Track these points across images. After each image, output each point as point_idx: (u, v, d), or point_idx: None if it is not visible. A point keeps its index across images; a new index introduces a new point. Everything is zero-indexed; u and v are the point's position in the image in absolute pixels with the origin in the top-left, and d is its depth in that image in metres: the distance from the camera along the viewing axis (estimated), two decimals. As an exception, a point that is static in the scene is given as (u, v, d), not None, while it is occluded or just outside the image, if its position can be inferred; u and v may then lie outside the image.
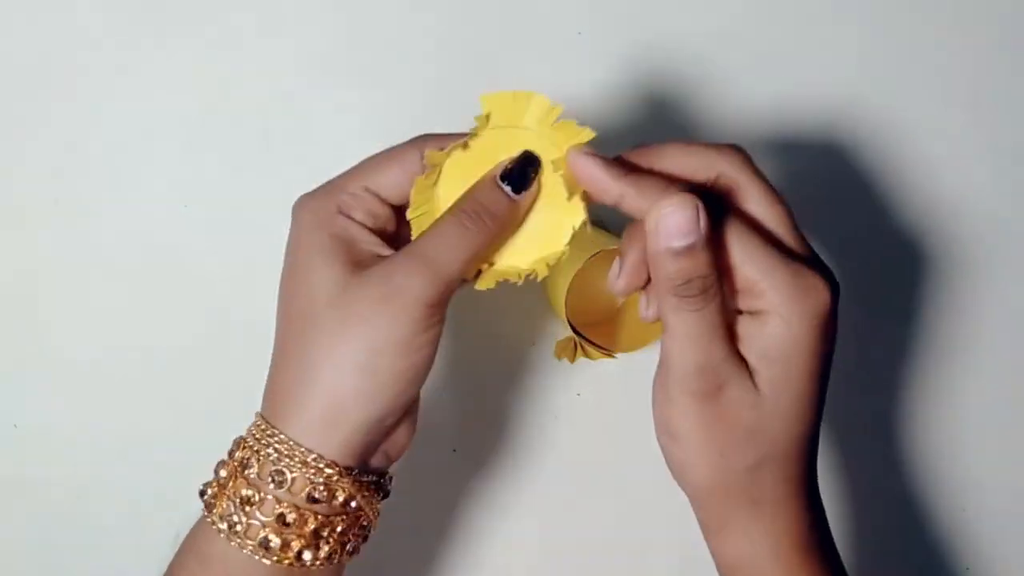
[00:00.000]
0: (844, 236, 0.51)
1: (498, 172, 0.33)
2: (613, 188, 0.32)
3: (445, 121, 0.48)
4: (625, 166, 0.32)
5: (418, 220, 0.34)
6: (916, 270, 0.52)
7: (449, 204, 0.34)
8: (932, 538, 0.52)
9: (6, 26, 0.47)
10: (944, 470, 0.52)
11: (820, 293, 0.31)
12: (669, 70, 0.50)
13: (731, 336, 0.32)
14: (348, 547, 0.34)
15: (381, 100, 0.49)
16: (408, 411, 0.34)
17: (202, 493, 0.34)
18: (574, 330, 0.45)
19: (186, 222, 0.48)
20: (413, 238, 0.34)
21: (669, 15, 0.50)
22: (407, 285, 0.31)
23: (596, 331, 0.47)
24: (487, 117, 0.34)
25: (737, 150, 0.33)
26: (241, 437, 0.34)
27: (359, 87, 0.49)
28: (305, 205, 0.34)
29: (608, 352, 0.46)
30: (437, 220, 0.33)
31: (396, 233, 0.35)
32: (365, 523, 0.34)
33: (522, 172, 0.33)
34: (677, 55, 0.50)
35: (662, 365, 0.33)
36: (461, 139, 0.34)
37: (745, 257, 0.31)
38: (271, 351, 0.34)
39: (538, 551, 0.50)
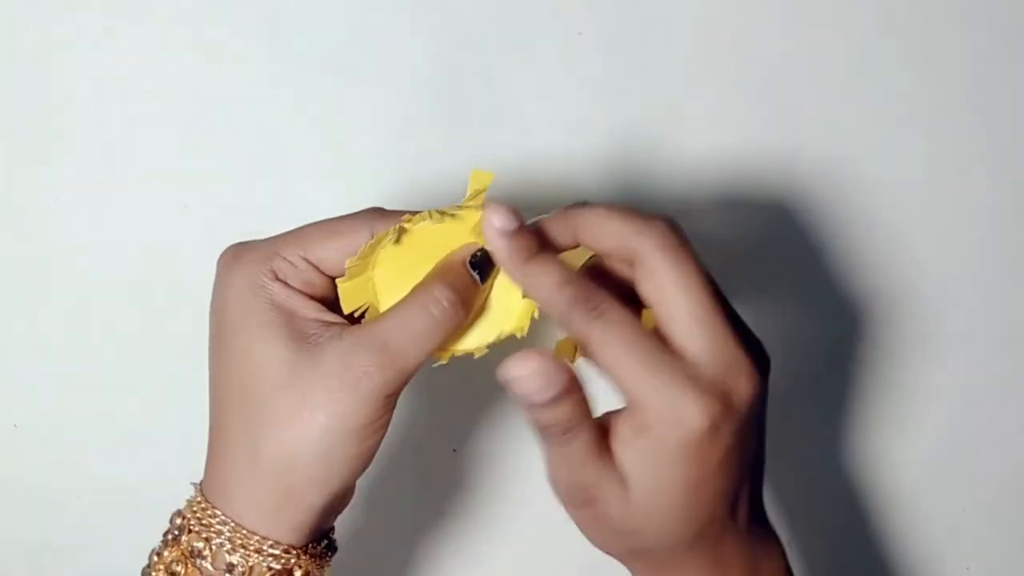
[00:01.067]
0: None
1: (467, 256, 0.32)
2: (515, 274, 0.31)
3: (445, 121, 0.49)
4: (534, 246, 0.31)
5: (349, 294, 0.32)
6: (908, 264, 0.52)
7: (385, 289, 0.32)
8: (932, 538, 0.52)
9: (6, 26, 0.47)
10: (943, 470, 0.52)
11: (692, 417, 0.29)
12: (669, 70, 0.50)
13: (605, 444, 0.31)
14: None
15: (381, 100, 0.49)
16: None
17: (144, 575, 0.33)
18: (574, 330, 0.45)
19: (186, 222, 0.48)
20: (345, 310, 0.32)
21: (669, 15, 0.50)
22: (367, 377, 0.30)
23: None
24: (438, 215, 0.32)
25: (663, 226, 0.30)
26: (183, 517, 0.32)
27: (359, 87, 0.49)
28: (237, 266, 0.32)
29: (608, 352, 0.46)
30: (402, 304, 0.32)
31: (335, 300, 0.33)
32: None
33: (485, 262, 0.32)
34: (677, 55, 0.50)
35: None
36: (400, 223, 0.32)
37: (623, 370, 0.30)
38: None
39: (538, 551, 0.50)
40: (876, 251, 0.51)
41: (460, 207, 0.33)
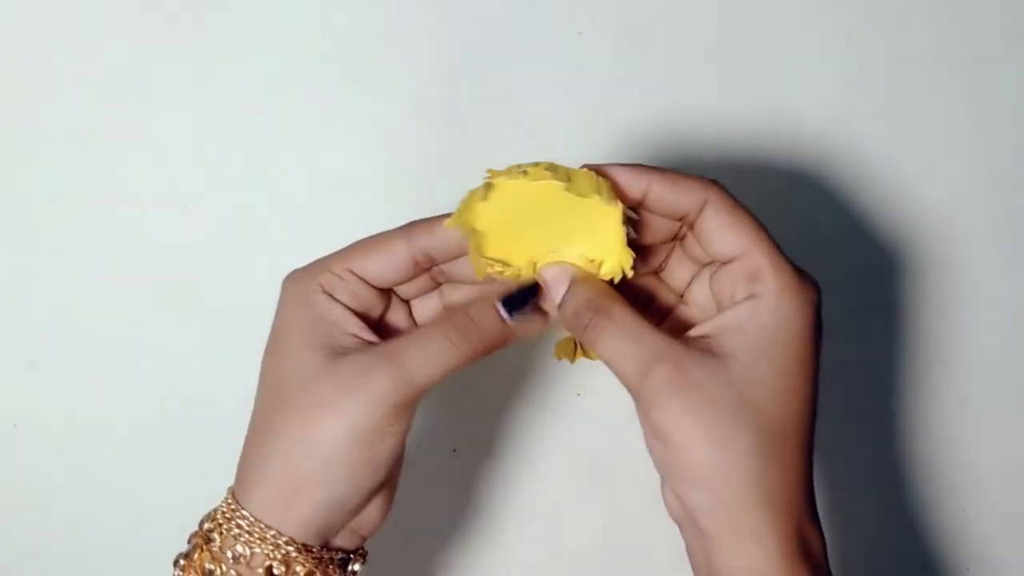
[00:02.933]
0: (829, 241, 0.51)
1: (498, 294, 0.34)
2: (641, 178, 0.33)
3: (445, 121, 0.49)
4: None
5: (456, 222, 0.34)
6: (906, 272, 0.52)
7: (488, 224, 0.34)
8: (932, 538, 0.52)
9: (6, 25, 0.47)
10: (943, 470, 0.52)
11: (813, 288, 0.32)
12: (669, 70, 0.50)
13: (667, 332, 0.33)
14: None
15: (381, 100, 0.49)
16: (378, 493, 0.35)
17: (176, 563, 0.34)
18: (574, 330, 0.45)
19: (186, 222, 0.48)
20: (472, 259, 0.34)
21: (669, 15, 0.50)
22: (377, 385, 0.32)
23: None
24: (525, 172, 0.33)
25: (716, 183, 0.34)
26: (214, 508, 0.34)
27: (359, 87, 0.49)
28: (291, 283, 0.35)
29: (608, 352, 0.46)
30: (425, 327, 0.34)
31: (381, 318, 0.36)
32: None
33: (522, 299, 0.34)
34: (677, 55, 0.50)
35: (622, 383, 0.33)
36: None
37: (757, 242, 0.32)
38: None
39: (539, 551, 0.50)
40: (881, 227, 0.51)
41: (552, 166, 0.33)
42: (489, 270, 0.35)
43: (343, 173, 0.49)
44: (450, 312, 0.34)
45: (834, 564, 0.34)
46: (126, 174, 0.48)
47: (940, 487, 0.52)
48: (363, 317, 0.35)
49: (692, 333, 0.33)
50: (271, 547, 0.32)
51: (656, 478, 0.50)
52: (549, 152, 0.49)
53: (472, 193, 0.34)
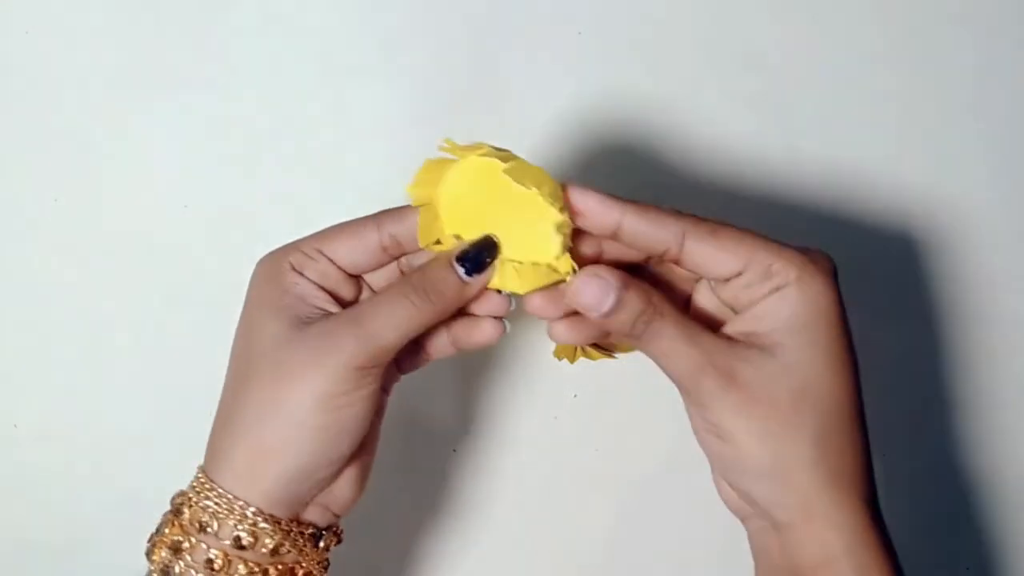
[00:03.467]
0: (844, 238, 0.51)
1: (455, 253, 0.34)
2: (612, 212, 0.32)
3: (445, 121, 0.49)
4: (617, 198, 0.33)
5: (416, 194, 0.35)
6: (909, 271, 0.52)
7: (443, 196, 0.34)
8: (932, 538, 0.52)
9: (6, 26, 0.47)
10: (944, 470, 0.52)
11: (825, 260, 0.33)
12: (669, 70, 0.50)
13: (718, 327, 0.33)
14: None
15: (381, 100, 0.49)
16: (350, 466, 0.35)
17: (149, 539, 0.34)
18: (574, 330, 0.45)
19: (186, 222, 0.48)
20: (421, 241, 0.34)
21: (669, 15, 0.50)
22: (338, 346, 0.32)
23: (596, 331, 0.47)
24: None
25: (688, 215, 0.33)
26: (183, 488, 0.34)
27: (359, 87, 0.49)
28: (264, 261, 0.35)
29: (608, 352, 0.46)
30: (384, 290, 0.34)
31: (349, 299, 0.36)
32: (303, 574, 0.34)
33: (478, 256, 0.34)
34: (677, 55, 0.50)
35: (674, 383, 0.34)
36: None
37: (755, 249, 0.32)
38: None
39: (538, 551, 0.50)
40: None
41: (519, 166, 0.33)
42: (435, 246, 0.35)
43: (343, 173, 0.49)
44: (409, 273, 0.35)
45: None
46: (126, 174, 0.48)
47: (941, 487, 0.52)
48: (331, 295, 0.35)
49: (728, 331, 0.33)
50: (238, 517, 0.32)
51: (657, 478, 0.51)
52: (548, 152, 0.49)
53: (430, 162, 0.34)
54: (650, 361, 0.35)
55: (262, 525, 0.32)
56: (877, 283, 0.51)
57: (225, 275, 0.48)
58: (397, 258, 0.36)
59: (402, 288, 0.33)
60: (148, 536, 0.35)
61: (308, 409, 0.32)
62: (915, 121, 0.51)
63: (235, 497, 0.32)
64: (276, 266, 0.35)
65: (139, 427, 0.48)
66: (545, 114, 0.49)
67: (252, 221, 0.48)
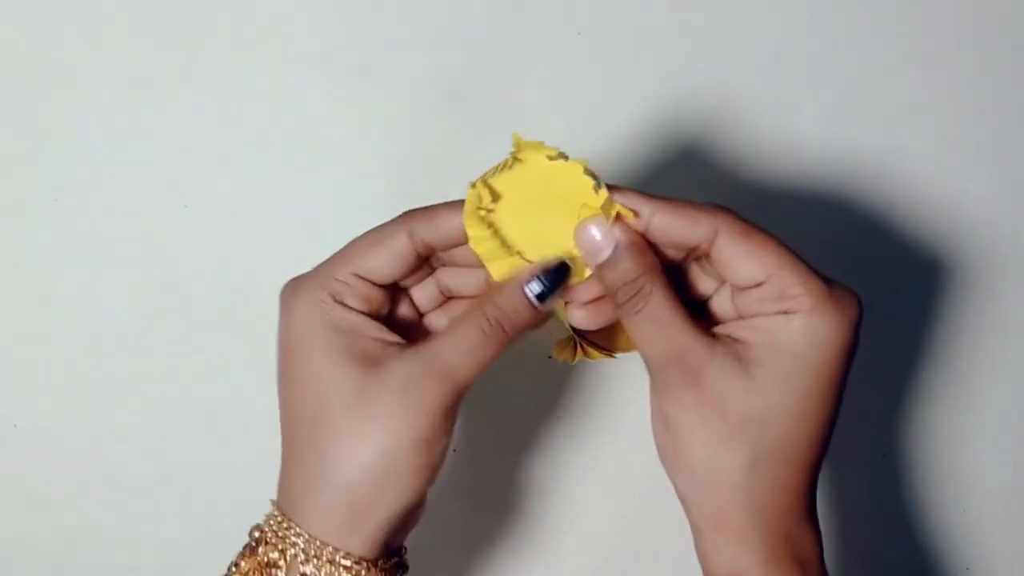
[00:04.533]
0: (843, 246, 0.51)
1: (525, 279, 0.34)
2: (644, 208, 0.32)
3: (445, 121, 0.49)
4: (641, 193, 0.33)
5: (487, 251, 0.33)
6: (912, 275, 0.52)
7: (514, 228, 0.33)
8: (932, 538, 0.52)
9: (6, 26, 0.47)
10: (944, 470, 0.52)
11: (851, 304, 0.32)
12: (669, 70, 0.50)
13: (699, 325, 0.33)
14: None
15: (381, 100, 0.49)
16: None
17: None
18: (574, 330, 0.45)
19: (186, 222, 0.48)
20: (486, 267, 0.34)
21: (669, 15, 0.50)
22: (427, 395, 0.32)
23: (596, 331, 0.47)
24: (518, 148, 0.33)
25: (726, 208, 0.33)
26: (260, 531, 0.34)
27: (359, 87, 0.49)
28: (297, 296, 0.34)
29: (608, 352, 0.46)
30: (457, 323, 0.33)
31: (391, 313, 0.36)
32: None
33: (552, 283, 0.34)
34: (677, 56, 0.50)
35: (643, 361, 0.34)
36: (451, 208, 0.34)
37: (782, 264, 0.31)
38: (280, 429, 0.34)
39: (538, 551, 0.50)
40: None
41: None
42: (507, 269, 0.34)
43: (344, 173, 0.49)
44: (479, 304, 0.34)
45: (833, 564, 0.34)
46: (126, 174, 0.48)
47: (940, 487, 0.52)
48: (376, 317, 0.34)
49: (722, 330, 0.33)
50: (341, 569, 0.32)
51: (657, 478, 0.50)
52: (549, 152, 0.49)
53: (475, 193, 0.33)
54: (650, 361, 0.35)
55: (364, 573, 0.32)
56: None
57: (225, 275, 0.48)
58: (428, 259, 0.35)
59: (478, 321, 0.33)
60: None
61: (403, 457, 0.32)
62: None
63: (336, 548, 0.32)
64: (315, 302, 0.33)
65: (139, 427, 0.48)
66: (544, 114, 0.49)
67: (252, 221, 0.48)
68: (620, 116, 0.50)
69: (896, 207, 0.51)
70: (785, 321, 0.31)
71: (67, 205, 0.47)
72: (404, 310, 0.37)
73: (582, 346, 0.46)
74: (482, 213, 0.33)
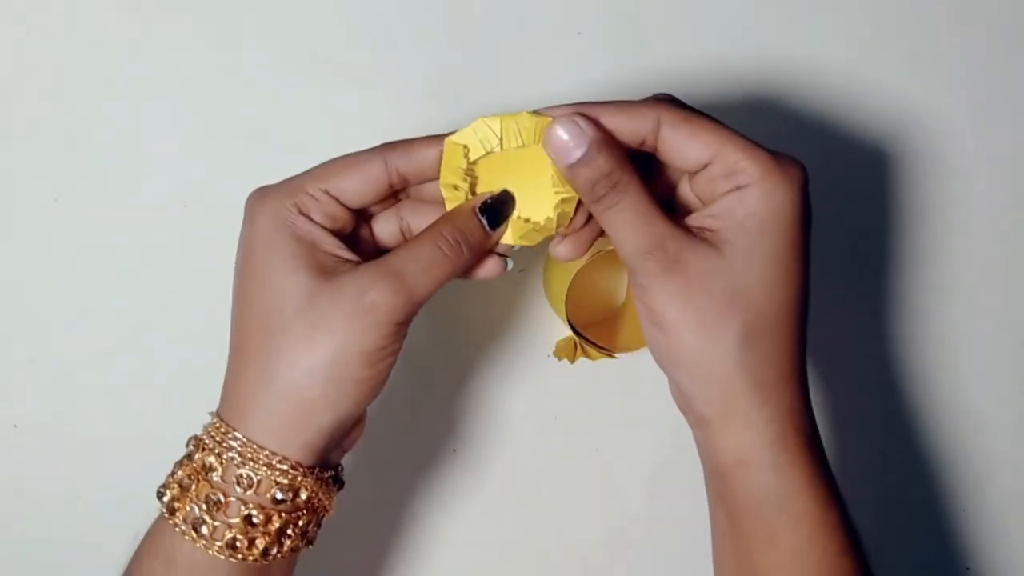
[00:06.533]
0: (830, 229, 0.51)
1: (477, 204, 0.34)
2: (590, 113, 0.33)
3: (445, 121, 0.48)
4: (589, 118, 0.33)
5: (454, 198, 0.35)
6: (912, 269, 0.52)
7: (489, 186, 0.35)
8: (932, 538, 0.52)
9: (6, 26, 0.47)
10: (944, 470, 0.52)
11: (796, 168, 0.33)
12: (669, 70, 0.50)
13: (674, 214, 0.33)
14: (307, 537, 0.35)
15: (381, 100, 0.49)
16: None
17: (160, 495, 0.34)
18: (574, 330, 0.46)
19: (186, 222, 0.48)
20: (447, 208, 0.35)
21: (669, 15, 0.50)
22: (380, 303, 0.32)
23: (596, 331, 0.47)
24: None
25: (668, 98, 0.34)
26: (197, 437, 0.34)
27: (359, 87, 0.49)
28: (263, 203, 0.34)
29: (608, 352, 0.46)
30: (413, 240, 0.34)
31: (353, 234, 0.36)
32: (322, 514, 0.35)
33: (498, 209, 0.34)
34: (677, 56, 0.50)
35: (622, 259, 0.34)
36: (429, 141, 0.35)
37: (724, 142, 0.32)
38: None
39: (537, 551, 0.50)
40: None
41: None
42: (452, 191, 0.35)
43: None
44: (437, 224, 0.34)
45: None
46: (126, 174, 0.48)
47: (940, 487, 0.52)
48: (338, 235, 0.34)
49: (689, 221, 0.33)
50: (277, 473, 0.32)
51: (656, 478, 0.50)
52: (549, 152, 0.49)
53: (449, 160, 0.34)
54: (651, 361, 0.35)
55: (300, 479, 0.33)
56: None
57: (225, 275, 0.48)
58: (398, 191, 0.36)
59: (435, 239, 0.33)
60: (161, 486, 0.34)
61: (353, 364, 0.32)
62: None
63: (273, 452, 0.32)
64: (280, 210, 0.34)
65: (139, 427, 0.48)
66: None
67: (252, 221, 0.48)
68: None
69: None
70: (740, 195, 0.32)
71: (67, 205, 0.47)
72: (364, 237, 0.37)
73: (582, 346, 0.46)
74: (458, 170, 0.34)
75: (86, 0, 0.47)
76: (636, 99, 0.33)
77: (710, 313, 0.32)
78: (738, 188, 0.32)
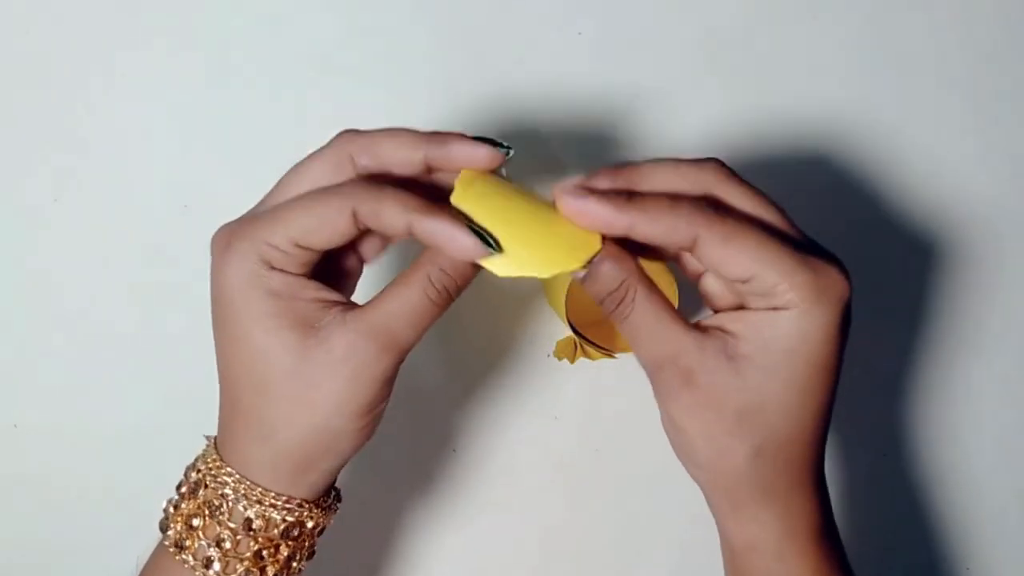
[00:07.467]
0: (841, 235, 0.51)
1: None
2: (621, 219, 0.31)
3: (445, 121, 0.49)
4: (621, 194, 0.31)
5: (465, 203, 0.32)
6: (916, 270, 0.52)
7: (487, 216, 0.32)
8: (932, 538, 0.52)
9: (6, 26, 0.47)
10: (944, 470, 0.52)
11: (839, 286, 0.31)
12: (669, 70, 0.50)
13: (688, 323, 0.32)
14: (311, 553, 0.36)
15: (381, 100, 0.49)
16: None
17: (163, 527, 0.34)
18: (574, 330, 0.45)
19: (186, 222, 0.48)
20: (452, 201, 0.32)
21: (669, 15, 0.50)
22: (371, 362, 0.32)
23: (596, 331, 0.47)
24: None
25: (718, 164, 0.33)
26: (198, 471, 0.34)
27: (359, 87, 0.49)
28: (230, 254, 0.32)
29: (608, 352, 0.46)
30: (398, 285, 0.32)
31: (329, 268, 0.34)
32: (319, 531, 0.35)
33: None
34: (677, 55, 0.50)
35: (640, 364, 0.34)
36: (390, 135, 0.34)
37: (765, 265, 0.30)
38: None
39: (537, 551, 0.50)
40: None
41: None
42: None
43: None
44: (419, 266, 0.32)
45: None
46: (126, 174, 0.48)
47: (940, 487, 0.52)
48: (315, 275, 0.33)
49: (711, 323, 0.32)
50: (285, 511, 0.33)
51: (655, 478, 0.50)
52: (548, 152, 0.49)
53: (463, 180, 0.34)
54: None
55: (307, 513, 0.34)
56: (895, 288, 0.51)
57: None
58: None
59: (421, 283, 0.32)
60: (163, 519, 0.34)
61: (349, 418, 0.32)
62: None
63: (279, 494, 0.33)
64: (247, 264, 0.32)
65: (139, 427, 0.48)
66: (544, 114, 0.49)
67: (252, 221, 0.48)
68: (620, 116, 0.50)
69: (891, 190, 0.52)
70: (773, 317, 0.31)
71: (67, 205, 0.47)
72: (346, 254, 0.35)
73: (582, 346, 0.46)
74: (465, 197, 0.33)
75: (86, 0, 0.47)
76: (674, 202, 0.31)
77: (721, 428, 0.32)
78: (774, 309, 0.31)
